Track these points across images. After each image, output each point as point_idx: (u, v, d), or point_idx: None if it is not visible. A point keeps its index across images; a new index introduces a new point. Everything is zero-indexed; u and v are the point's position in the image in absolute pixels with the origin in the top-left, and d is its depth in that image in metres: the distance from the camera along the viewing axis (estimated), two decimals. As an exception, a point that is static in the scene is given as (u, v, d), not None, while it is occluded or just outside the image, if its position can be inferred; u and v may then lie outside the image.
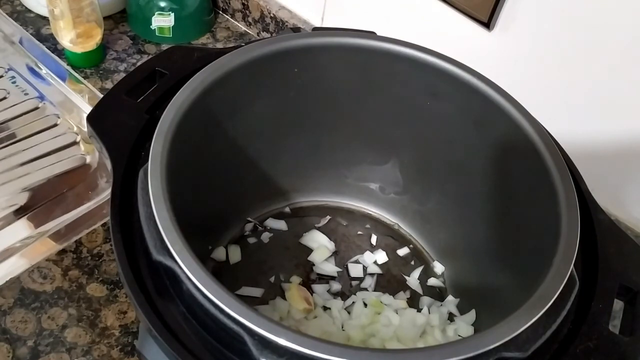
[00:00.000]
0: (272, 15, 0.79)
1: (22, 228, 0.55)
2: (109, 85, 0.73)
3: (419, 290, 0.55)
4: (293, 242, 0.57)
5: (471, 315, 0.50)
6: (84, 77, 0.71)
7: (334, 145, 0.55)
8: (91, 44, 0.72)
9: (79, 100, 0.66)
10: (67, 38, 0.70)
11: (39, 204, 0.57)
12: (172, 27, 0.78)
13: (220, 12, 0.86)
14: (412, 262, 0.57)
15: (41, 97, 0.66)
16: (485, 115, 0.46)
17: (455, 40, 0.61)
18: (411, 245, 0.58)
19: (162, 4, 0.76)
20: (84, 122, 0.59)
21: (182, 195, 0.38)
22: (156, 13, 0.76)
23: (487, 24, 0.58)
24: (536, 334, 0.34)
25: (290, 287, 0.52)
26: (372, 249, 0.57)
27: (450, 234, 0.55)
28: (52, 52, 0.70)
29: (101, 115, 0.42)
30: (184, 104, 0.41)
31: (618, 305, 0.38)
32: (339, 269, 0.55)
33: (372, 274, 0.56)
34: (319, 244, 0.56)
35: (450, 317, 0.52)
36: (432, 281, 0.55)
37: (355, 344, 0.48)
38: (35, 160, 0.61)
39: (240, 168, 0.52)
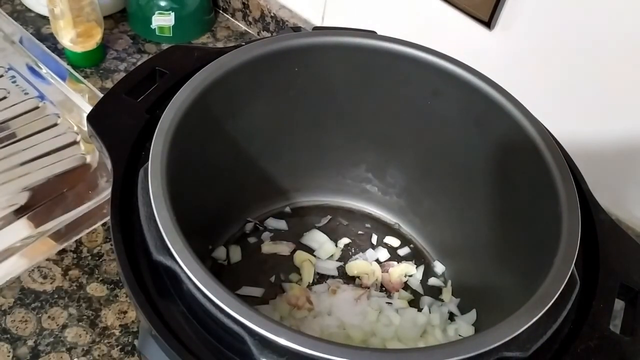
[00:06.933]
0: (272, 14, 0.79)
1: (22, 228, 0.55)
2: (109, 84, 0.73)
3: (420, 290, 0.55)
4: (294, 241, 0.57)
5: (472, 315, 0.50)
6: (84, 77, 0.71)
7: (334, 145, 0.55)
8: (91, 44, 0.72)
9: (79, 100, 0.66)
10: (67, 37, 0.70)
11: (39, 203, 0.57)
12: (173, 26, 0.78)
13: (221, 11, 0.86)
14: (413, 262, 0.57)
15: (41, 97, 0.66)
16: (486, 115, 0.46)
17: (456, 39, 0.61)
18: (412, 245, 0.58)
19: (163, 3, 0.76)
20: (84, 121, 0.58)
21: (182, 195, 0.38)
22: (156, 12, 0.76)
23: (488, 23, 0.58)
24: (537, 334, 0.34)
25: (291, 286, 0.52)
26: (373, 248, 0.57)
27: (451, 233, 0.55)
28: (52, 52, 0.70)
29: (101, 114, 0.42)
30: (184, 104, 0.41)
31: (619, 305, 0.38)
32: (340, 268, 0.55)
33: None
34: (320, 244, 0.56)
35: (451, 317, 0.52)
36: (432, 281, 0.55)
37: (356, 344, 0.48)
38: (35, 160, 0.61)
39: (240, 168, 0.52)
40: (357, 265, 0.55)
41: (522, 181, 0.45)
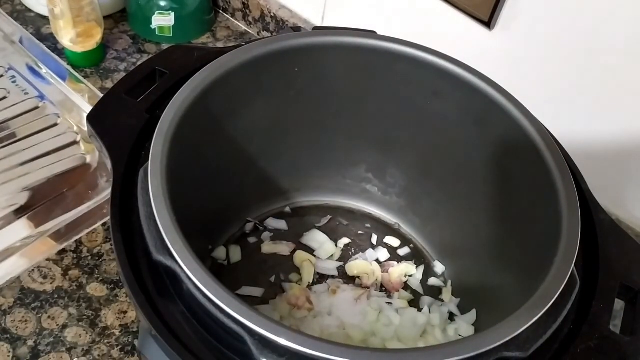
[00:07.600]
0: (272, 14, 0.79)
1: (22, 228, 0.55)
2: (109, 84, 0.73)
3: (420, 290, 0.55)
4: (294, 241, 0.57)
5: (472, 315, 0.50)
6: (84, 77, 0.71)
7: (334, 145, 0.55)
8: (91, 44, 0.72)
9: (79, 100, 0.66)
10: (67, 37, 0.70)
11: (39, 203, 0.57)
12: (173, 26, 0.78)
13: (221, 11, 0.86)
14: (413, 262, 0.57)
15: (41, 97, 0.66)
16: (486, 115, 0.46)
17: (456, 39, 0.61)
18: (412, 245, 0.58)
19: (163, 3, 0.76)
20: (84, 121, 0.58)
21: (182, 195, 0.38)
22: (156, 12, 0.76)
23: (488, 23, 0.58)
24: (537, 334, 0.34)
25: (291, 286, 0.52)
26: (373, 248, 0.57)
27: (451, 233, 0.55)
28: (52, 52, 0.70)
29: (101, 114, 0.42)
30: (184, 104, 0.41)
31: (619, 305, 0.38)
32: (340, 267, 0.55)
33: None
34: (320, 244, 0.56)
35: (451, 317, 0.52)
36: (432, 281, 0.55)
37: (356, 344, 0.48)
38: (36, 160, 0.61)
39: (240, 168, 0.52)
40: (357, 265, 0.55)
41: (522, 181, 0.45)
